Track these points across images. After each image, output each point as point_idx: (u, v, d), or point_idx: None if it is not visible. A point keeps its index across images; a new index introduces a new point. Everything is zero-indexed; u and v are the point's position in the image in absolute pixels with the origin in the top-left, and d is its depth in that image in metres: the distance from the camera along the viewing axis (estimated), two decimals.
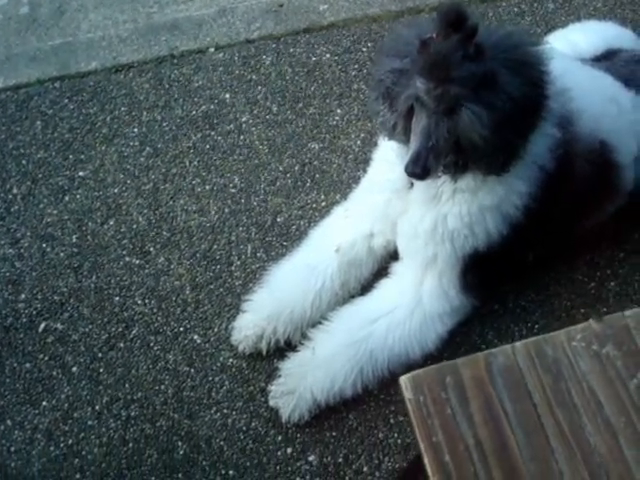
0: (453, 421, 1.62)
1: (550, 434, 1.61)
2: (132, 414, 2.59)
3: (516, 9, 3.64)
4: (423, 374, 1.68)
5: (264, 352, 2.64)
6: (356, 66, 3.45)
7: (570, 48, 2.88)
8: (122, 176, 3.14)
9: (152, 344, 2.72)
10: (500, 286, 2.73)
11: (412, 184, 2.38)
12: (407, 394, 1.65)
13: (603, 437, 1.62)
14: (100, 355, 2.71)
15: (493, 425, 1.62)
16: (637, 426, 1.63)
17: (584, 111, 2.39)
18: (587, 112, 2.40)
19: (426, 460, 1.59)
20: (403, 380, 1.67)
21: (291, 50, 3.53)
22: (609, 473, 1.58)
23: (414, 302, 2.52)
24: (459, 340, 2.63)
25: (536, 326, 2.69)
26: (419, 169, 2.07)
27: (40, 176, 3.16)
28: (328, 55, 3.50)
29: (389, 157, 2.45)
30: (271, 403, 2.54)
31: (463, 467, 1.58)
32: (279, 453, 2.49)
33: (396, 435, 2.51)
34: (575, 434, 1.62)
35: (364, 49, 3.51)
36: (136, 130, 3.29)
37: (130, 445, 2.53)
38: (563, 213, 2.52)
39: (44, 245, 2.97)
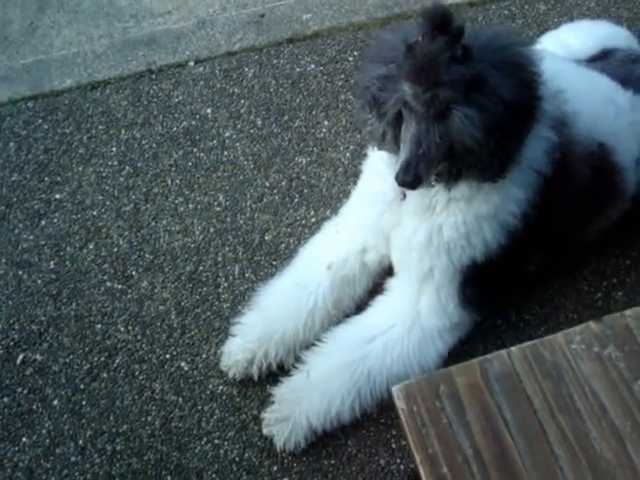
0: (449, 431, 1.65)
1: (553, 441, 1.64)
2: (118, 448, 2.60)
3: (506, 12, 3.70)
4: (416, 383, 1.70)
5: (255, 377, 2.66)
6: (342, 76, 3.50)
7: (564, 49, 2.91)
8: (101, 197, 3.18)
9: (137, 373, 2.74)
10: (501, 299, 2.76)
11: (404, 195, 2.41)
12: (399, 404, 1.67)
13: (609, 442, 1.65)
14: (82, 387, 2.72)
15: (492, 433, 1.64)
16: None
17: (580, 113, 2.43)
18: (583, 114, 2.44)
19: (422, 473, 1.61)
20: (395, 390, 1.69)
21: (274, 61, 3.58)
22: None
23: (411, 319, 2.54)
24: (461, 359, 2.61)
25: None
26: (410, 178, 2.10)
27: (14, 200, 3.20)
28: (313, 65, 3.55)
29: (379, 168, 2.48)
30: (265, 431, 2.55)
31: (462, 479, 1.61)
32: None
33: (398, 461, 2.52)
34: (579, 440, 1.65)
35: (350, 58, 3.56)
36: (114, 149, 3.33)
37: None
38: (564, 220, 2.56)
39: (20, 272, 2.99)
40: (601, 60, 2.86)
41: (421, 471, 1.61)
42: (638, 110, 2.67)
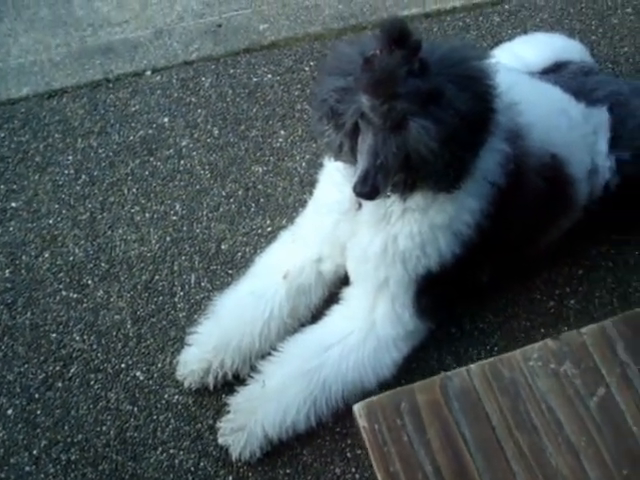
0: (410, 448, 1.63)
1: (510, 457, 1.62)
2: (72, 458, 2.54)
3: (461, 23, 3.70)
4: (377, 401, 1.69)
5: (211, 387, 2.62)
6: (299, 86, 3.47)
7: (517, 61, 2.93)
8: (57, 206, 3.11)
9: (92, 383, 2.68)
10: (456, 308, 2.75)
11: (360, 205, 2.38)
12: (361, 422, 1.65)
13: (565, 458, 1.64)
14: (37, 396, 2.66)
15: (451, 450, 1.63)
16: (599, 445, 1.65)
17: (534, 125, 2.43)
18: (537, 126, 2.44)
19: None
20: (357, 408, 1.67)
21: (231, 71, 3.54)
22: None
23: (367, 328, 2.51)
24: (415, 366, 2.63)
25: (495, 348, 2.70)
26: (368, 188, 2.08)
27: None
28: (270, 75, 3.52)
29: (335, 178, 2.46)
30: (220, 441, 2.51)
31: None
32: None
33: (354, 470, 2.49)
34: (536, 456, 1.63)
35: (306, 68, 3.54)
36: (71, 158, 3.26)
37: None
38: (517, 230, 2.55)
39: None
40: (554, 72, 2.89)
41: None
42: (590, 122, 2.68)
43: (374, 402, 1.68)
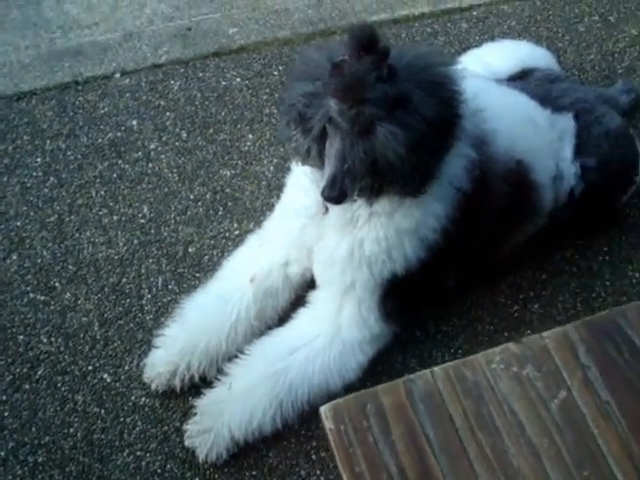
0: (375, 449, 1.64)
1: (473, 458, 1.64)
2: (40, 460, 2.53)
3: (429, 29, 3.72)
4: (343, 403, 1.70)
5: (178, 389, 2.61)
6: (267, 90, 3.48)
7: (484, 68, 2.95)
8: (25, 208, 3.09)
9: (59, 385, 2.67)
10: (421, 312, 2.76)
11: (327, 209, 2.39)
12: (328, 424, 1.66)
13: (527, 459, 1.66)
14: (4, 398, 2.64)
15: (416, 452, 1.64)
16: (560, 447, 1.67)
17: (499, 131, 2.45)
18: (502, 132, 2.46)
19: None
20: (323, 410, 1.68)
21: (200, 75, 3.54)
22: None
23: (333, 331, 2.52)
24: (381, 369, 2.65)
25: (459, 351, 2.71)
26: (336, 193, 2.10)
27: None
28: (238, 79, 3.52)
29: (303, 182, 2.47)
30: (187, 443, 2.51)
31: None
32: None
33: (319, 472, 2.50)
34: (498, 457, 1.65)
35: (275, 73, 3.54)
36: (39, 160, 3.24)
37: None
38: (482, 235, 2.57)
39: None
40: (521, 79, 2.91)
41: None
42: (556, 129, 2.72)
43: (340, 404, 1.69)
